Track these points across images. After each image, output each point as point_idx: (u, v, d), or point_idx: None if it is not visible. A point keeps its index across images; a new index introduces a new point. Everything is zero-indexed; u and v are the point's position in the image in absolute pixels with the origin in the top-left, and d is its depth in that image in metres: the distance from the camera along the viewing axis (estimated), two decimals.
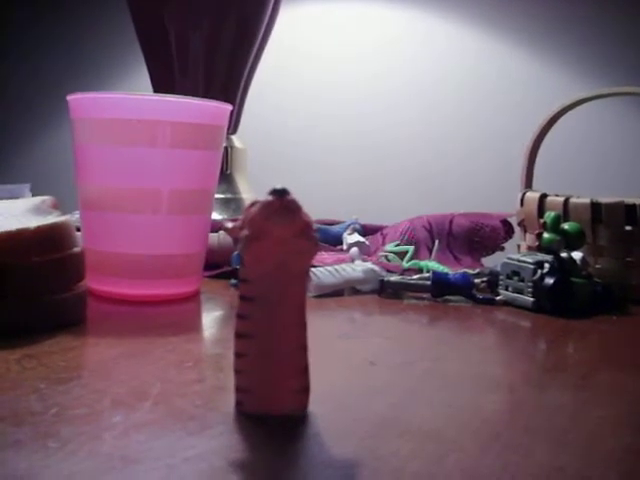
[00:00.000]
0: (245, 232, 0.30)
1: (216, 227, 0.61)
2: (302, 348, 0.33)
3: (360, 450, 0.29)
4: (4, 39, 1.34)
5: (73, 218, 0.56)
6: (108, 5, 1.25)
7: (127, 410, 0.32)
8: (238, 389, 0.33)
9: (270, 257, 0.31)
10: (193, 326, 0.52)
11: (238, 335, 0.33)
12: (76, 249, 0.49)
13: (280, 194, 0.30)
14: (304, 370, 0.33)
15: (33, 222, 0.47)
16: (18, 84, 1.33)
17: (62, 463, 0.26)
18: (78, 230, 0.53)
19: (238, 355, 0.33)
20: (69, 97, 0.57)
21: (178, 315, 0.54)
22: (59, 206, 0.55)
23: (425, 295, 0.64)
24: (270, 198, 0.30)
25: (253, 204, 0.31)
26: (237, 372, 0.33)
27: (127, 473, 0.26)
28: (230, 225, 0.32)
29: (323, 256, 0.71)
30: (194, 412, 0.33)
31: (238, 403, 0.33)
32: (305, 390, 0.33)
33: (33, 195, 0.92)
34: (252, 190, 0.88)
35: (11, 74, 1.34)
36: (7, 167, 1.33)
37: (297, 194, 0.31)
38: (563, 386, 0.40)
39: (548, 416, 0.35)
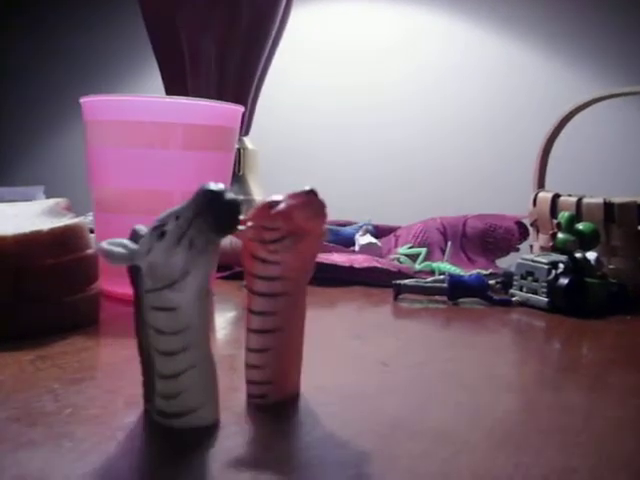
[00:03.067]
0: (281, 232, 0.31)
1: None
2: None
3: (372, 450, 0.29)
4: (19, 43, 1.35)
5: (86, 220, 0.56)
6: (120, 8, 1.25)
7: (140, 410, 0.33)
8: (259, 383, 0.34)
9: (311, 254, 0.33)
10: None
11: (259, 331, 0.33)
12: (89, 251, 0.49)
13: (314, 193, 0.31)
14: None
15: (47, 224, 0.47)
16: (32, 87, 1.34)
17: (76, 463, 0.27)
18: (92, 232, 0.53)
19: (259, 351, 0.34)
20: (82, 99, 0.57)
21: None
22: (72, 208, 0.55)
23: (439, 297, 0.64)
24: (304, 198, 0.31)
25: (271, 204, 0.32)
26: (257, 367, 0.34)
27: (140, 472, 0.26)
28: (244, 228, 0.32)
29: (333, 256, 0.71)
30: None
31: (260, 396, 0.34)
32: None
33: (47, 197, 0.93)
34: (264, 191, 0.88)
35: (25, 77, 1.35)
36: (21, 170, 1.34)
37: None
38: (576, 386, 0.40)
39: (560, 416, 0.35)
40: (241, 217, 0.30)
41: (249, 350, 0.34)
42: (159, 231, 0.30)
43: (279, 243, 0.32)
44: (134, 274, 0.31)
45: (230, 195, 0.29)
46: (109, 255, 0.30)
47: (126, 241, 0.31)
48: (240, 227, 0.31)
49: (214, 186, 0.29)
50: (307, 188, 0.32)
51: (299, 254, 0.32)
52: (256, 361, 0.34)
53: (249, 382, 0.34)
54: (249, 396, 0.35)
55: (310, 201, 0.31)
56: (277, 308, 0.33)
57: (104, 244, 0.30)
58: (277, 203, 0.32)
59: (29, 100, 1.35)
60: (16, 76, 1.35)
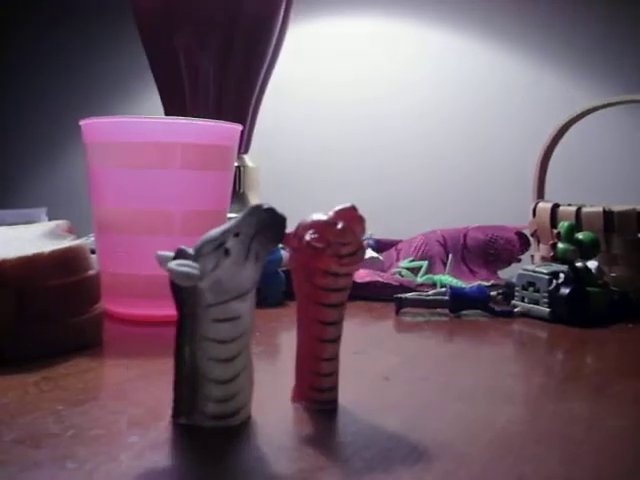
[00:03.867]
0: (353, 247, 0.34)
1: None
2: None
3: (373, 464, 0.29)
4: (20, 65, 1.36)
5: (88, 241, 0.56)
6: (119, 30, 1.26)
7: (143, 431, 0.33)
8: (333, 389, 0.37)
9: (359, 264, 0.36)
10: None
11: (333, 340, 0.36)
12: (91, 272, 0.49)
13: (356, 208, 0.35)
14: None
15: (48, 246, 0.47)
16: (33, 109, 1.35)
17: None
18: (93, 252, 0.54)
19: (332, 359, 0.36)
20: (82, 122, 0.57)
21: None
22: (74, 230, 0.55)
23: (441, 310, 0.64)
24: (354, 212, 0.35)
25: (332, 222, 0.34)
26: (331, 375, 0.36)
27: None
28: (318, 245, 0.34)
29: None
30: (209, 430, 0.33)
31: (333, 401, 0.37)
32: None
33: (50, 219, 0.93)
34: None
35: (26, 100, 1.35)
36: (24, 192, 1.34)
37: (310, 211, 0.34)
38: (578, 396, 0.40)
39: (562, 427, 0.35)
40: (313, 236, 0.34)
41: (324, 359, 0.36)
42: (222, 249, 0.32)
43: (352, 256, 0.34)
44: (185, 293, 0.32)
45: (280, 212, 0.33)
46: (182, 276, 0.32)
47: (188, 262, 0.32)
48: (318, 245, 0.33)
49: (268, 205, 0.33)
50: (349, 204, 0.35)
51: (357, 265, 0.35)
52: (331, 369, 0.36)
53: (323, 390, 0.36)
54: (321, 403, 0.36)
55: (360, 215, 0.35)
56: (341, 317, 0.36)
57: (174, 266, 0.32)
58: (335, 221, 0.34)
59: (31, 122, 1.35)
60: (17, 98, 1.36)
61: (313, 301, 0.35)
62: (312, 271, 0.35)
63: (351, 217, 0.35)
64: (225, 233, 0.32)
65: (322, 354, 0.36)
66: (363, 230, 0.35)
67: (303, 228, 0.34)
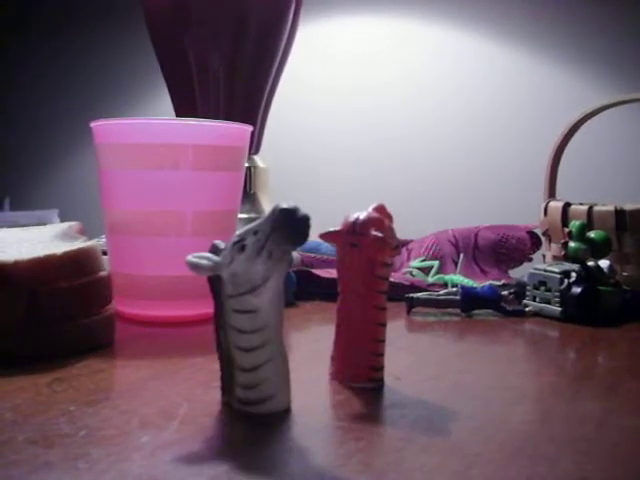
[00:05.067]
0: (397, 240, 0.39)
1: None
2: None
3: (385, 464, 0.29)
4: (32, 66, 1.36)
5: (100, 242, 0.56)
6: (129, 32, 1.27)
7: (155, 430, 0.33)
8: (383, 368, 0.41)
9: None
10: None
11: (384, 324, 0.41)
12: (103, 273, 0.50)
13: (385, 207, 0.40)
14: None
15: (61, 248, 0.48)
16: (44, 111, 1.36)
17: None
18: (104, 254, 0.54)
19: (384, 341, 0.41)
20: (92, 124, 0.58)
21: (205, 335, 0.54)
22: (85, 231, 0.56)
23: (452, 310, 0.64)
24: (386, 210, 0.39)
25: (380, 219, 0.39)
26: (383, 355, 0.41)
27: None
28: (378, 234, 0.38)
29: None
30: (221, 431, 0.33)
31: (382, 379, 0.41)
32: None
33: (61, 220, 0.94)
34: None
35: (38, 102, 1.36)
36: (36, 193, 1.35)
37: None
38: (590, 395, 0.40)
39: (574, 426, 0.35)
40: (335, 229, 0.39)
41: (381, 341, 0.41)
42: (239, 245, 0.34)
43: (397, 249, 0.39)
44: (214, 283, 0.36)
45: (302, 212, 0.34)
46: (197, 267, 0.35)
47: (209, 254, 0.35)
48: (377, 234, 0.38)
49: (288, 205, 0.34)
50: (378, 203, 0.40)
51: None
52: (382, 349, 0.41)
53: (380, 369, 0.41)
54: (378, 381, 0.41)
55: (389, 213, 0.40)
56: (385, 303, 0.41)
57: (191, 258, 0.35)
58: (379, 217, 0.39)
59: (42, 123, 1.36)
60: (28, 100, 1.37)
61: (374, 290, 0.40)
62: (374, 263, 0.39)
63: (386, 214, 0.39)
64: (248, 231, 0.35)
65: (380, 336, 0.40)
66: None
67: (352, 224, 0.39)
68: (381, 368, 0.41)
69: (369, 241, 0.38)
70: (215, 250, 0.36)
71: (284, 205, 0.34)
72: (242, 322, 0.35)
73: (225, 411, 0.36)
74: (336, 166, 1.17)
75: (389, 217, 0.40)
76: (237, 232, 0.35)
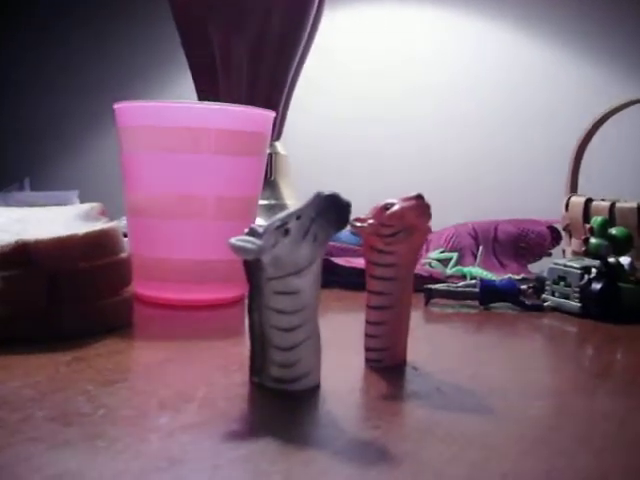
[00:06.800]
0: (395, 228, 0.39)
1: None
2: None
3: (401, 453, 0.29)
4: (55, 49, 1.37)
5: (120, 224, 0.57)
6: (153, 15, 1.27)
7: (173, 412, 0.33)
8: (375, 350, 0.42)
9: (418, 246, 0.41)
10: (238, 330, 0.52)
11: (376, 308, 0.41)
12: (123, 254, 0.50)
13: (422, 197, 0.40)
14: None
15: (82, 228, 0.48)
16: (65, 93, 1.36)
17: (110, 462, 0.27)
18: (125, 236, 0.54)
19: (376, 323, 0.42)
20: (115, 105, 0.58)
21: (224, 319, 0.55)
22: (107, 212, 0.56)
23: (470, 302, 0.63)
24: (414, 201, 0.40)
25: (386, 206, 0.40)
26: (374, 337, 0.42)
27: (173, 473, 0.27)
28: (359, 224, 0.40)
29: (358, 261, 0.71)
30: (239, 414, 0.33)
31: (377, 361, 0.42)
32: None
33: (81, 202, 0.94)
34: (296, 195, 0.88)
35: (58, 82, 1.37)
36: (56, 174, 1.36)
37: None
38: (609, 392, 0.40)
39: (593, 422, 0.34)
40: (364, 216, 0.40)
41: (368, 322, 0.42)
42: (283, 229, 0.35)
43: (394, 237, 0.39)
44: (252, 266, 0.36)
45: (344, 198, 0.35)
46: (242, 250, 0.35)
47: (250, 238, 0.36)
48: (361, 224, 0.39)
49: (331, 191, 0.35)
50: (415, 193, 0.40)
51: (409, 246, 0.40)
52: (373, 331, 0.42)
53: (367, 349, 0.42)
54: (367, 360, 0.42)
55: (419, 203, 0.40)
56: (390, 289, 0.41)
57: (235, 241, 0.35)
58: (392, 205, 0.40)
59: (63, 105, 1.36)
60: (50, 81, 1.37)
61: (368, 274, 0.41)
62: (364, 245, 0.41)
63: (410, 204, 0.40)
64: (290, 215, 0.36)
65: (367, 317, 0.42)
66: (421, 216, 0.40)
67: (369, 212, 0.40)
68: (372, 349, 0.42)
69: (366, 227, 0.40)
70: (254, 234, 0.36)
71: (328, 192, 0.35)
72: (282, 303, 0.36)
73: (242, 394, 0.36)
74: (358, 155, 1.16)
75: (411, 208, 0.40)
76: (277, 216, 0.36)
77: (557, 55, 1.07)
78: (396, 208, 0.40)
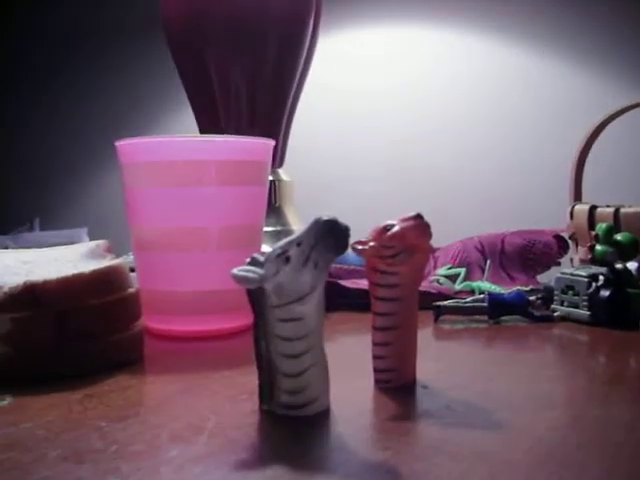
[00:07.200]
0: (396, 249, 0.39)
1: None
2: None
3: (412, 473, 0.29)
4: (57, 87, 1.39)
5: (127, 260, 0.57)
6: (151, 50, 1.28)
7: (184, 444, 0.33)
8: (383, 370, 0.42)
9: (421, 266, 0.42)
10: (247, 359, 0.52)
11: (382, 329, 0.42)
12: (131, 290, 0.50)
13: (421, 217, 0.40)
14: None
15: (89, 266, 0.48)
16: (71, 131, 1.38)
17: None
18: (132, 271, 0.55)
19: (382, 344, 0.42)
20: (117, 143, 0.59)
21: (232, 349, 0.55)
22: (113, 249, 0.56)
23: (480, 317, 0.63)
24: (413, 221, 0.40)
25: (386, 228, 0.40)
26: (382, 358, 0.42)
27: None
28: (360, 247, 0.40)
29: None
30: (249, 443, 0.34)
31: (386, 382, 0.42)
32: None
33: (91, 238, 0.95)
34: (301, 221, 0.89)
35: (64, 123, 1.38)
36: (65, 213, 1.37)
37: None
38: (620, 400, 0.40)
39: (603, 431, 0.34)
40: (365, 239, 0.40)
41: (375, 344, 0.42)
42: (284, 257, 0.36)
43: (395, 258, 0.40)
44: (255, 295, 0.36)
45: (342, 223, 0.35)
46: (244, 280, 0.35)
47: (252, 267, 0.36)
48: (363, 247, 0.40)
49: (329, 217, 0.35)
50: (414, 213, 0.40)
51: (411, 266, 0.40)
52: (381, 352, 0.42)
53: (376, 370, 0.42)
54: (376, 381, 0.42)
55: (418, 223, 0.40)
56: (395, 310, 0.41)
57: (237, 271, 0.36)
58: (392, 226, 0.40)
59: (69, 143, 1.38)
60: (56, 120, 1.39)
61: (372, 295, 0.41)
62: (366, 267, 0.41)
63: (409, 225, 0.40)
64: (290, 242, 0.36)
65: (373, 338, 0.42)
66: (421, 236, 0.40)
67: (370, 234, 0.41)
68: (380, 370, 0.42)
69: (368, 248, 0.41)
70: (255, 263, 0.37)
71: (326, 217, 0.35)
72: (288, 330, 0.36)
73: (252, 423, 0.36)
74: (358, 176, 1.17)
75: (412, 228, 0.40)
76: (278, 244, 0.36)
77: (556, 64, 1.07)
78: (396, 229, 0.40)
